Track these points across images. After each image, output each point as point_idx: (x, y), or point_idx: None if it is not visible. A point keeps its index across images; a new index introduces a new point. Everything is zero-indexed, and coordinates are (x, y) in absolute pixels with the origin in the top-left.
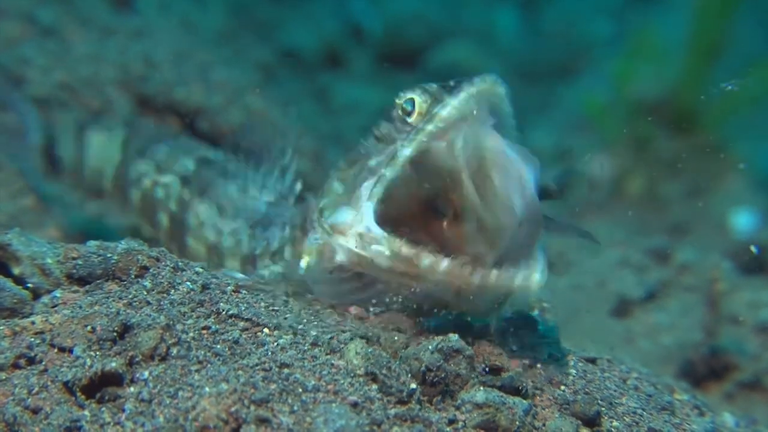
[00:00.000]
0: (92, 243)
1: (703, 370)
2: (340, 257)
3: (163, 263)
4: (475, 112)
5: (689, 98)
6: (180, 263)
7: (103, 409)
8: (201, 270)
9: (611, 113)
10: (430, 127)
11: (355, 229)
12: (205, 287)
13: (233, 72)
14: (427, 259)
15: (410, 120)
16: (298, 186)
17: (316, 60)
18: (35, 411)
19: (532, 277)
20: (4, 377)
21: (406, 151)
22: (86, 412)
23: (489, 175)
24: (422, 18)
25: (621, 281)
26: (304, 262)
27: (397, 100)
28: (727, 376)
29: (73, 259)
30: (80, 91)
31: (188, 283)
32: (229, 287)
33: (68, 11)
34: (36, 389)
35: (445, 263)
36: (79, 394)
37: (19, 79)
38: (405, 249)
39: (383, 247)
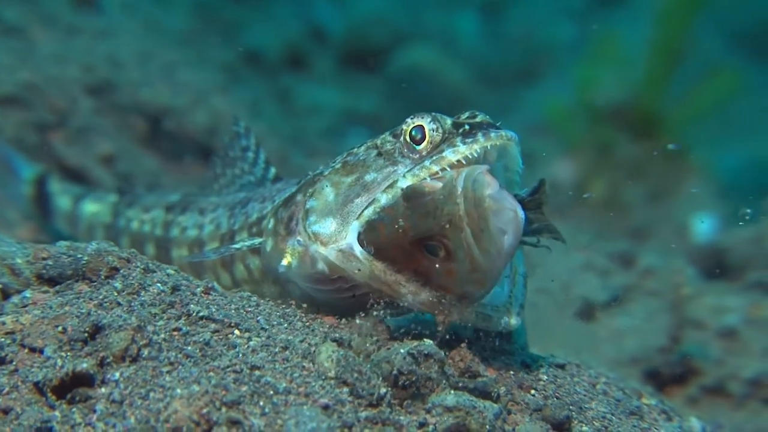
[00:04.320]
0: (62, 243)
1: (667, 375)
2: (321, 266)
3: (134, 264)
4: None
5: (651, 103)
6: (151, 264)
7: (74, 409)
8: (172, 272)
9: (573, 117)
10: (434, 168)
11: (338, 244)
12: (175, 289)
13: (198, 73)
14: (405, 288)
15: (419, 148)
16: (272, 171)
17: (279, 61)
18: (5, 411)
19: (509, 321)
20: None
21: (404, 183)
22: (57, 413)
23: (486, 221)
24: (384, 20)
25: (585, 285)
26: (285, 261)
27: (405, 126)
28: (691, 381)
29: (43, 259)
30: (45, 91)
31: (159, 284)
32: (199, 289)
33: (32, 10)
34: (6, 389)
35: (423, 295)
36: (49, 394)
37: None
38: (384, 275)
39: (364, 267)
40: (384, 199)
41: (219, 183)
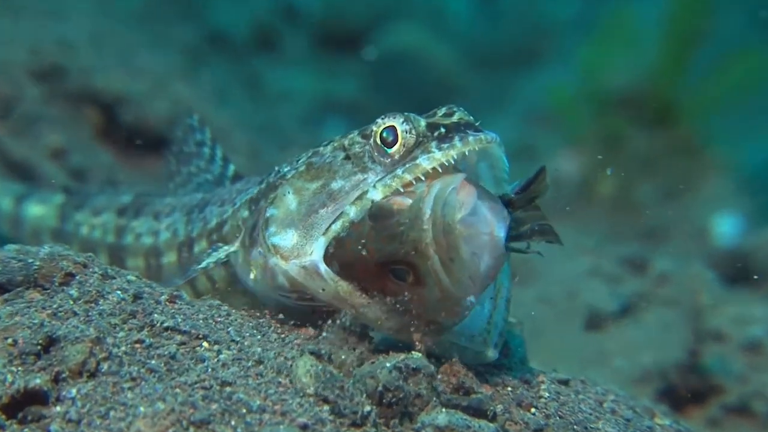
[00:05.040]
0: (11, 247)
1: (685, 393)
2: (281, 279)
3: (91, 270)
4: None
5: (666, 89)
6: (110, 270)
7: (26, 430)
8: (133, 278)
9: (579, 105)
10: (408, 177)
11: (300, 260)
12: (137, 297)
13: (157, 56)
14: (372, 312)
15: (390, 151)
16: (231, 168)
17: (248, 43)
18: None
19: (485, 354)
20: None
21: (376, 195)
22: None
23: (457, 249)
24: None
25: (592, 293)
26: (252, 275)
27: (375, 127)
28: (711, 400)
29: None
30: None
31: (118, 292)
32: (163, 297)
33: None
34: None
35: (391, 322)
36: None
37: None
38: (351, 297)
39: (328, 287)
40: (353, 212)
41: (174, 181)
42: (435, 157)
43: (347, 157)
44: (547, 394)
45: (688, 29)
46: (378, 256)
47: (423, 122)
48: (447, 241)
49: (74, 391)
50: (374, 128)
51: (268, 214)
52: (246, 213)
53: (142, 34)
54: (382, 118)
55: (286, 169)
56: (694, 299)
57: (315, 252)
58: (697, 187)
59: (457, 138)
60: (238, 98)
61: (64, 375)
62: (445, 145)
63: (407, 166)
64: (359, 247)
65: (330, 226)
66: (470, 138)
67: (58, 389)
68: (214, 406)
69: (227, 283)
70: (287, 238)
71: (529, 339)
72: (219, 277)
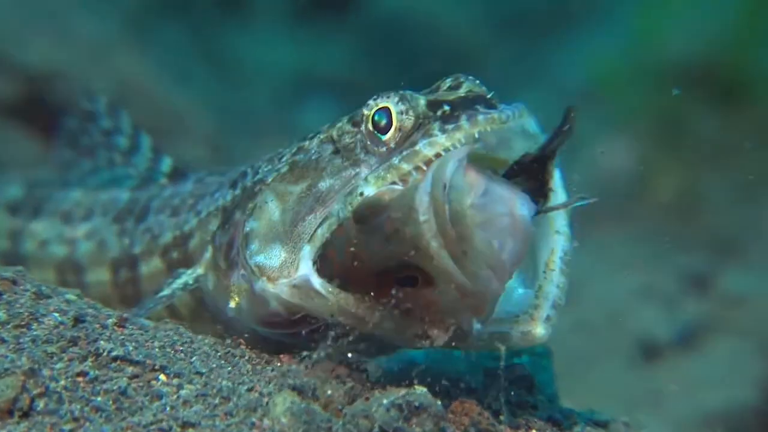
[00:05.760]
0: None
1: None
2: (274, 305)
3: (22, 288)
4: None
5: (741, 60)
6: (44, 288)
7: None
8: (73, 297)
9: (629, 80)
10: (405, 167)
11: (290, 279)
12: (78, 320)
13: (95, 21)
14: (388, 324)
15: (385, 138)
16: (166, 162)
17: (209, 5)
18: None
19: (533, 332)
20: None
21: (368, 189)
22: None
23: (470, 240)
24: None
25: (644, 318)
26: (233, 302)
27: (366, 111)
28: None
29: None
30: None
31: (56, 314)
32: (110, 320)
33: None
34: None
35: (410, 329)
36: None
37: None
38: (358, 309)
39: (328, 302)
40: (341, 212)
41: (78, 169)
42: (437, 142)
43: (336, 151)
44: None
45: None
46: (373, 265)
47: (423, 100)
48: (457, 232)
49: None
50: (365, 112)
51: (247, 229)
52: (216, 226)
53: None
54: (374, 99)
55: (266, 170)
56: None
57: (302, 264)
58: None
59: (464, 117)
60: (198, 74)
61: None
62: (450, 126)
63: (404, 153)
64: (348, 257)
65: (315, 230)
66: (480, 117)
67: None
68: None
69: (191, 310)
70: (273, 256)
71: (562, 373)
72: (180, 303)
